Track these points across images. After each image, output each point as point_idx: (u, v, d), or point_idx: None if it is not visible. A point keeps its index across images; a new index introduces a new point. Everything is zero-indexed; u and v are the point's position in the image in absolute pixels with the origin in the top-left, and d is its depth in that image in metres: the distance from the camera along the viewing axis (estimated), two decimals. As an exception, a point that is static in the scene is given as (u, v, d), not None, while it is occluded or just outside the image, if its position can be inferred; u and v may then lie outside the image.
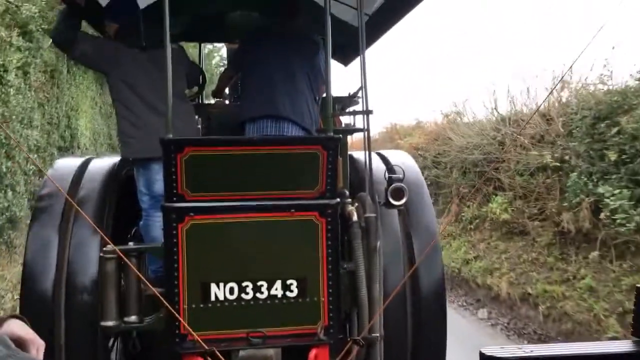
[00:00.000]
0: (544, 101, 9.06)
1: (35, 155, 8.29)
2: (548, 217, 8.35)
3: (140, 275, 2.87)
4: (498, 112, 10.82)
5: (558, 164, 8.22)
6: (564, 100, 9.04)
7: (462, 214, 11.05)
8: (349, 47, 4.66)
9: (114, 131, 11.94)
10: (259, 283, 2.87)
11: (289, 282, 2.89)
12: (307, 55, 3.79)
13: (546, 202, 8.45)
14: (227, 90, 5.00)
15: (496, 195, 9.81)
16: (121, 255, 2.78)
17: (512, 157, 9.51)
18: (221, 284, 2.84)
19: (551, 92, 8.68)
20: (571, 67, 8.35)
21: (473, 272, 9.52)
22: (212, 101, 5.22)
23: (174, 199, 2.80)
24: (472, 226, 10.59)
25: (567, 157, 8.07)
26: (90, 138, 11.30)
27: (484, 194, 10.45)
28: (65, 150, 9.58)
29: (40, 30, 8.69)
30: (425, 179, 11.44)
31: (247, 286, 2.86)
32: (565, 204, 7.78)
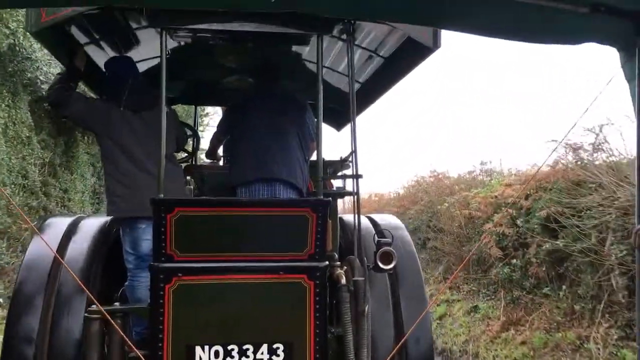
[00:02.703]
0: None
1: None
2: None
3: (125, 337, 2.82)
4: None
5: None
6: None
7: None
8: (342, 112, 4.77)
9: (36, 167, 7.80)
10: (245, 347, 2.83)
11: (275, 346, 2.85)
12: (296, 115, 3.85)
13: None
14: (220, 152, 5.06)
15: None
16: (106, 315, 2.74)
17: None
18: (206, 347, 2.79)
19: None
20: None
21: None
22: (207, 161, 5.27)
23: (162, 259, 2.79)
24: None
25: None
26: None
27: None
28: None
29: None
30: (538, 250, 6.15)
31: (232, 349, 2.82)
32: None
